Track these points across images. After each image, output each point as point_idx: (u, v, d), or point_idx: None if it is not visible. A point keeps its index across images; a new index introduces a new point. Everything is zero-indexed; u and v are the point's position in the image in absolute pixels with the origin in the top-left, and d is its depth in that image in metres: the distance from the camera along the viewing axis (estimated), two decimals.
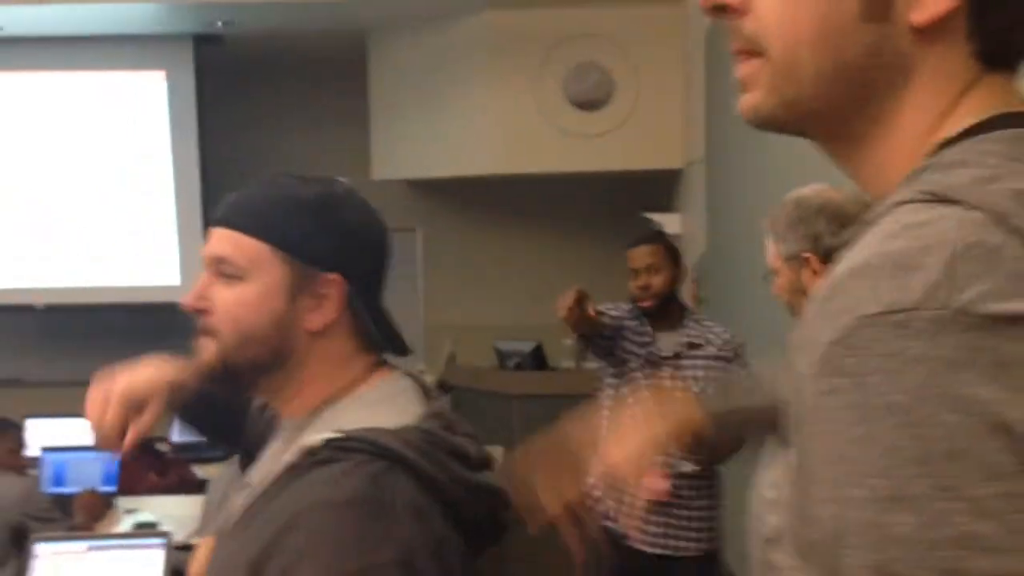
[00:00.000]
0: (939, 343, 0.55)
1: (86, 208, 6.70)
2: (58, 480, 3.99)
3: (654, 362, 3.24)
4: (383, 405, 1.16)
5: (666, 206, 6.01)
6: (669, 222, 5.38)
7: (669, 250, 3.39)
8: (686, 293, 5.13)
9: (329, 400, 1.18)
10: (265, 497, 1.12)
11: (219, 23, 6.24)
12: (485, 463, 1.20)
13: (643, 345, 3.27)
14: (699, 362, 3.24)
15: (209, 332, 1.17)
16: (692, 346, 3.26)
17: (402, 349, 1.26)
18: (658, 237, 3.59)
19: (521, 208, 6.87)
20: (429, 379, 5.22)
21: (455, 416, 1.22)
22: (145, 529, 3.36)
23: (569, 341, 3.53)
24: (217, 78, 6.69)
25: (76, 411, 5.06)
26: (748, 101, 0.72)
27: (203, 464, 4.57)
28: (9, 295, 6.79)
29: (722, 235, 4.70)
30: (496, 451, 5.46)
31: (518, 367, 5.92)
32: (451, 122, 6.18)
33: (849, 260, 0.61)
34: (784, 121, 0.71)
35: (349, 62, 6.62)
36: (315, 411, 1.18)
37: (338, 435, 1.09)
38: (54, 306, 6.81)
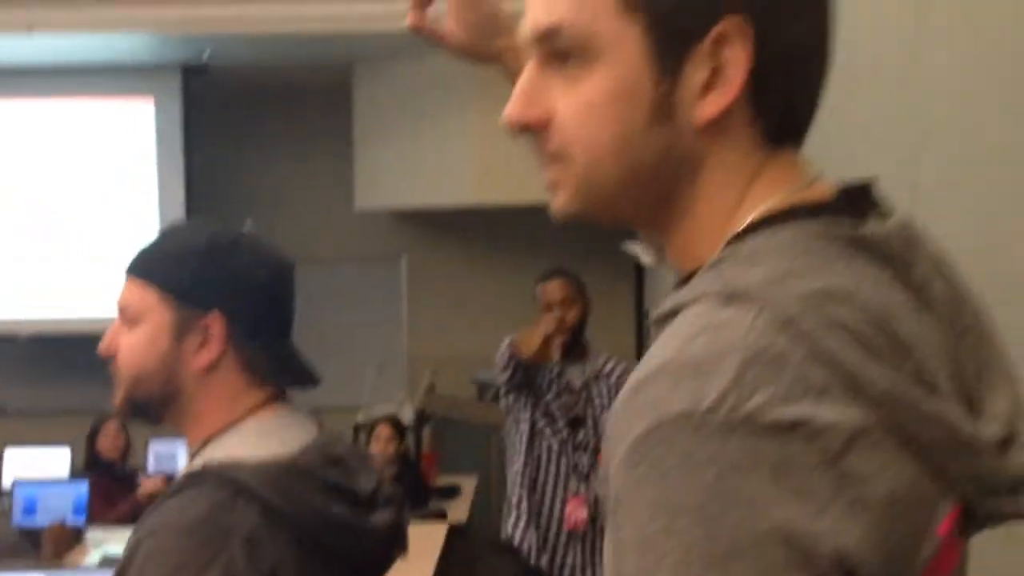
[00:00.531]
0: (728, 446, 0.59)
1: (71, 237, 6.72)
2: (29, 511, 4.01)
3: (568, 392, 3.47)
4: (260, 437, 1.23)
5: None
6: (645, 253, 5.42)
7: (578, 285, 3.59)
8: None
9: (217, 433, 1.24)
10: (139, 523, 1.22)
11: (206, 53, 6.31)
12: (377, 499, 1.26)
13: (558, 375, 3.47)
14: (606, 390, 3.50)
15: (116, 375, 1.29)
16: (598, 376, 3.48)
17: (304, 382, 1.34)
18: (565, 272, 3.76)
19: (503, 238, 6.92)
20: (408, 409, 5.25)
21: (349, 451, 1.30)
22: (111, 561, 3.38)
23: (504, 375, 3.64)
24: (204, 107, 6.75)
25: (58, 439, 5.09)
26: (558, 202, 0.76)
27: None
28: None
29: None
30: (471, 482, 5.50)
31: (496, 398, 5.94)
32: (434, 152, 6.23)
33: (654, 357, 0.65)
34: (595, 217, 0.76)
35: (334, 93, 6.68)
36: (203, 443, 1.26)
37: (197, 467, 1.19)
38: (38, 336, 6.81)
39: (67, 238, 6.72)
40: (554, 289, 3.55)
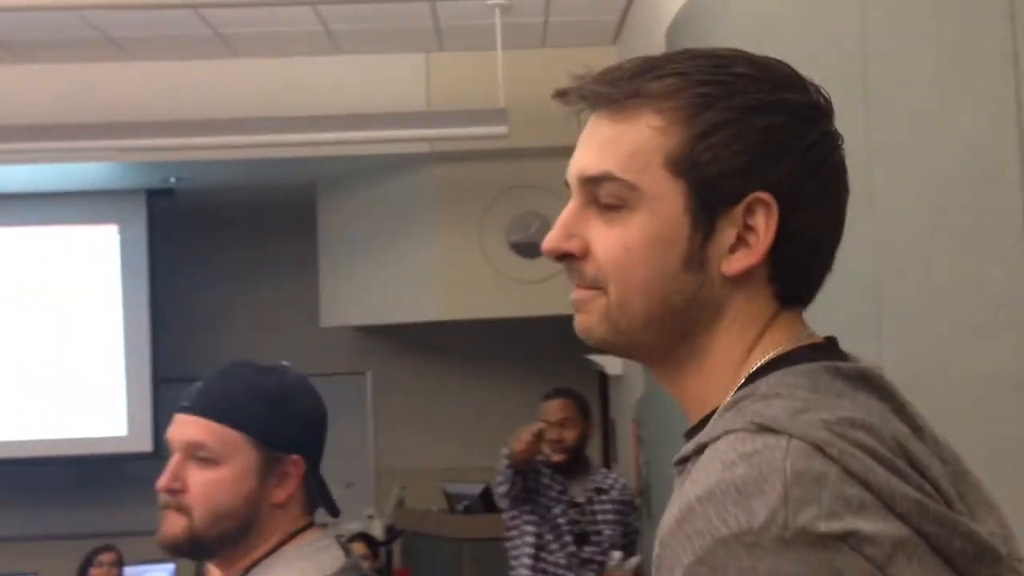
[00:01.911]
0: (784, 559, 0.65)
1: (38, 359, 6.70)
2: None
3: (571, 507, 3.54)
4: (304, 561, 1.35)
5: None
6: (610, 364, 5.54)
7: (581, 405, 3.68)
8: (629, 435, 5.27)
9: (260, 559, 1.33)
10: None
11: (172, 179, 6.45)
12: None
13: (561, 492, 3.54)
14: (608, 506, 3.56)
15: (182, 509, 1.33)
16: (599, 491, 3.56)
17: (336, 511, 1.47)
18: (570, 392, 3.84)
19: (467, 351, 7.01)
20: (378, 524, 5.27)
21: (369, 571, 1.43)
22: None
23: (501, 488, 3.67)
24: (169, 230, 6.85)
25: (24, 569, 4.96)
26: (584, 322, 0.84)
27: None
28: None
29: None
30: None
31: (467, 510, 5.94)
32: (397, 270, 6.35)
33: (696, 485, 0.71)
34: (614, 345, 0.84)
35: (298, 213, 6.84)
36: (245, 571, 1.32)
37: None
38: (7, 460, 6.72)
39: (30, 362, 6.69)
40: (555, 409, 3.66)
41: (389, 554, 6.18)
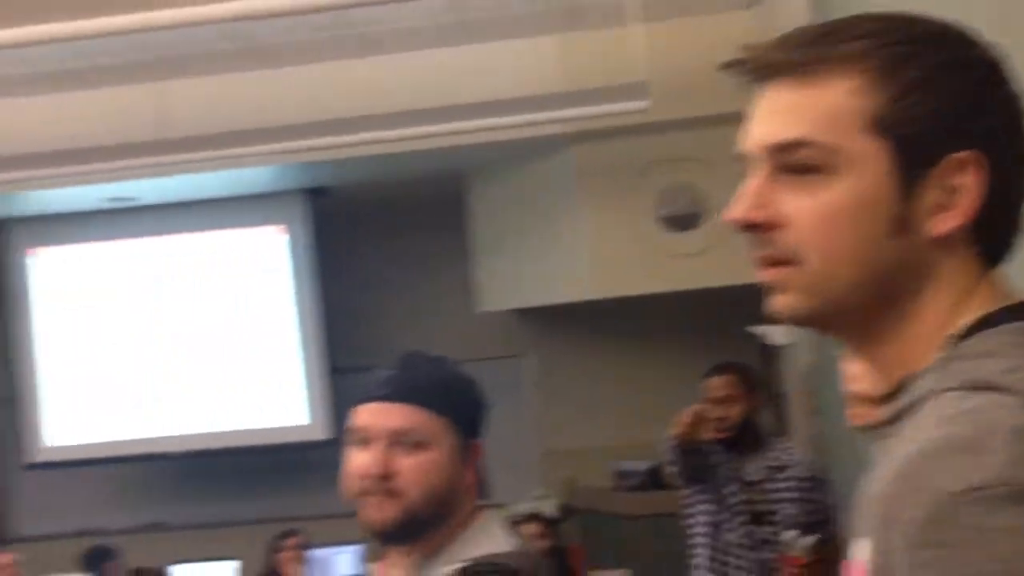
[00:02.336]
0: (1017, 514, 0.64)
1: (217, 357, 7.10)
2: None
3: (744, 486, 3.34)
4: (489, 536, 1.40)
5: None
6: (775, 334, 5.38)
7: (745, 378, 3.48)
8: (799, 406, 5.10)
9: (443, 543, 1.40)
10: None
11: (329, 177, 6.66)
12: None
13: (733, 470, 3.37)
14: (787, 483, 3.35)
15: (393, 494, 1.38)
16: (778, 469, 3.35)
17: (487, 494, 1.53)
18: (733, 367, 3.66)
19: (626, 329, 6.96)
20: (549, 504, 5.30)
21: (535, 551, 1.49)
22: None
23: (673, 468, 3.58)
24: (331, 227, 7.09)
25: (219, 554, 5.26)
26: (783, 302, 0.82)
27: None
28: (148, 444, 7.18)
29: (832, 342, 4.67)
30: (617, 575, 5.45)
31: (637, 488, 5.92)
32: (550, 250, 6.37)
33: (914, 443, 0.70)
34: (817, 319, 0.82)
35: (449, 202, 6.94)
36: (432, 552, 1.37)
37: (468, 563, 1.33)
38: (192, 452, 7.16)
39: (214, 360, 7.09)
40: (716, 386, 3.47)
41: (563, 533, 6.22)
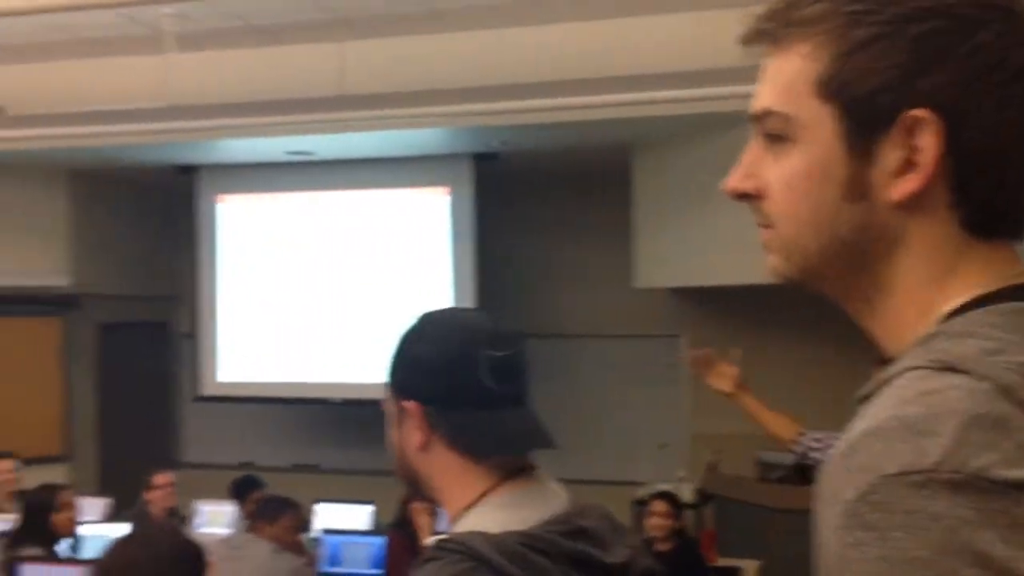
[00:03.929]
0: (957, 503, 0.60)
1: (377, 310, 7.36)
2: (334, 561, 4.35)
3: None
4: (497, 512, 1.28)
5: None
6: None
7: None
8: None
9: (460, 512, 1.32)
10: None
11: (497, 142, 6.74)
12: (630, 572, 1.28)
13: None
14: None
15: None
16: None
17: (518, 447, 1.34)
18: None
19: (788, 315, 6.76)
20: (687, 488, 5.19)
21: (599, 523, 1.30)
22: None
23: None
24: (494, 192, 7.19)
25: (364, 497, 5.44)
26: (770, 262, 0.84)
27: None
28: (307, 389, 7.53)
29: None
30: (752, 565, 5.33)
31: (781, 480, 5.76)
32: (716, 230, 6.23)
33: (865, 420, 0.67)
34: (801, 281, 0.82)
35: (614, 174, 6.90)
36: (454, 519, 1.33)
37: (444, 537, 1.25)
38: (348, 400, 7.46)
39: (373, 313, 7.35)
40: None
41: (699, 517, 6.13)
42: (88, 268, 7.91)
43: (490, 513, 1.28)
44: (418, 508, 4.95)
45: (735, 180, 0.83)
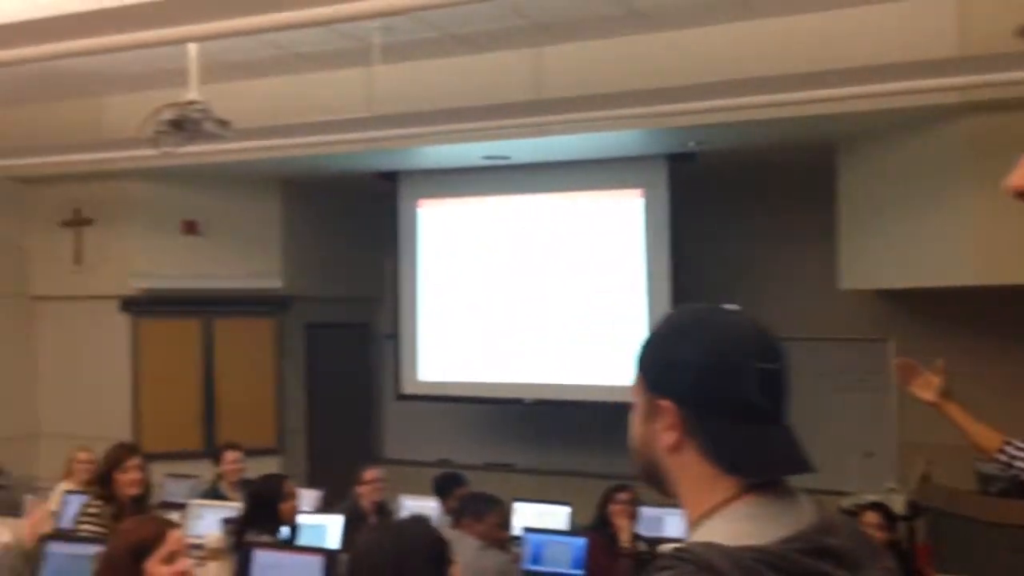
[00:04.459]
0: None
1: (571, 312, 7.42)
2: (536, 559, 4.41)
3: None
4: (741, 523, 1.23)
5: None
6: None
7: None
8: None
9: (699, 518, 1.27)
10: None
11: (692, 143, 6.66)
12: None
13: None
14: None
15: None
16: None
17: (777, 471, 1.27)
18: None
19: (999, 318, 6.35)
20: (899, 500, 4.94)
21: (848, 543, 1.23)
22: None
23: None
24: (688, 193, 7.10)
25: (556, 497, 5.50)
26: None
27: None
28: (503, 389, 7.67)
29: None
30: None
31: (1003, 494, 5.41)
32: (927, 231, 5.93)
33: None
34: None
35: (816, 173, 6.68)
36: (693, 525, 1.29)
37: (681, 546, 1.21)
38: (542, 401, 7.55)
39: (567, 315, 7.41)
40: None
41: (911, 530, 5.85)
42: (297, 271, 8.37)
43: (730, 524, 1.24)
44: (617, 510, 4.96)
45: (1018, 179, 0.80)
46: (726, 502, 1.25)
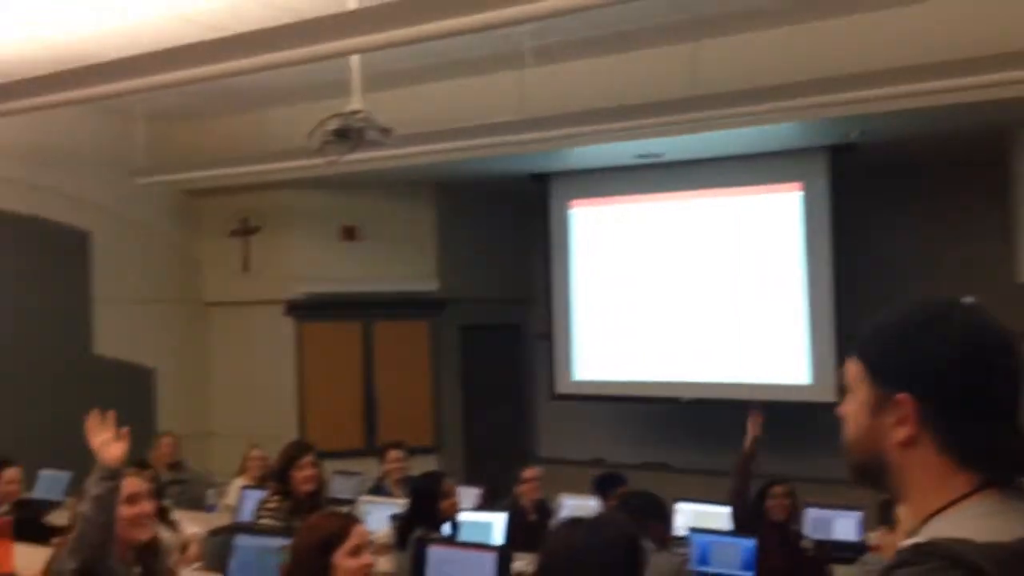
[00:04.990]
0: None
1: (728, 311, 7.30)
2: (703, 560, 4.36)
3: None
4: (980, 520, 1.19)
5: None
6: None
7: None
8: None
9: (933, 514, 1.22)
10: None
11: (855, 133, 6.45)
12: None
13: None
14: None
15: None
16: None
17: (1005, 469, 1.23)
18: None
19: None
20: None
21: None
22: None
23: None
24: (849, 186, 6.88)
25: (711, 498, 5.40)
26: None
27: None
28: (659, 388, 7.62)
29: None
30: None
31: None
32: None
33: None
34: None
35: (988, 163, 6.37)
36: (923, 521, 1.24)
37: (923, 541, 1.16)
38: (698, 400, 7.46)
39: (724, 313, 7.30)
40: None
41: None
42: (452, 274, 8.54)
43: (969, 521, 1.19)
44: (773, 505, 4.83)
45: None
46: (962, 499, 1.21)
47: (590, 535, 1.86)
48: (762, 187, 7.19)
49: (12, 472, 5.61)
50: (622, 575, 1.78)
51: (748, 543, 4.27)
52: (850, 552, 4.53)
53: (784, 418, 7.19)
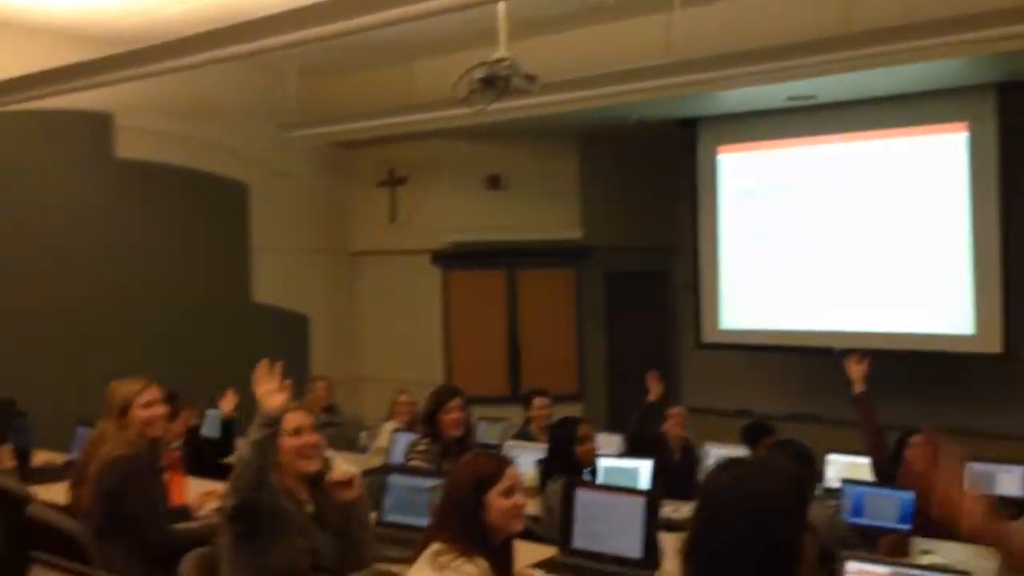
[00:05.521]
0: None
1: (885, 257, 7.02)
2: (857, 511, 4.25)
3: None
4: None
5: None
6: None
7: None
8: None
9: None
10: None
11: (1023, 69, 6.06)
12: None
13: None
14: None
15: None
16: None
17: None
18: None
19: None
20: None
21: None
22: (945, 566, 3.40)
23: None
24: (1019, 126, 6.48)
25: (860, 450, 5.20)
26: None
27: None
28: (811, 337, 7.43)
29: None
30: None
31: None
32: None
33: None
34: None
35: None
36: None
37: None
38: (851, 350, 7.21)
39: (883, 261, 7.05)
40: None
41: None
42: (596, 222, 8.50)
43: None
44: (913, 452, 4.63)
45: None
46: None
47: (759, 473, 1.79)
48: (923, 128, 6.84)
49: (187, 414, 5.92)
50: (792, 518, 1.73)
51: (906, 495, 4.13)
52: (1014, 508, 4.33)
53: (946, 368, 6.92)
